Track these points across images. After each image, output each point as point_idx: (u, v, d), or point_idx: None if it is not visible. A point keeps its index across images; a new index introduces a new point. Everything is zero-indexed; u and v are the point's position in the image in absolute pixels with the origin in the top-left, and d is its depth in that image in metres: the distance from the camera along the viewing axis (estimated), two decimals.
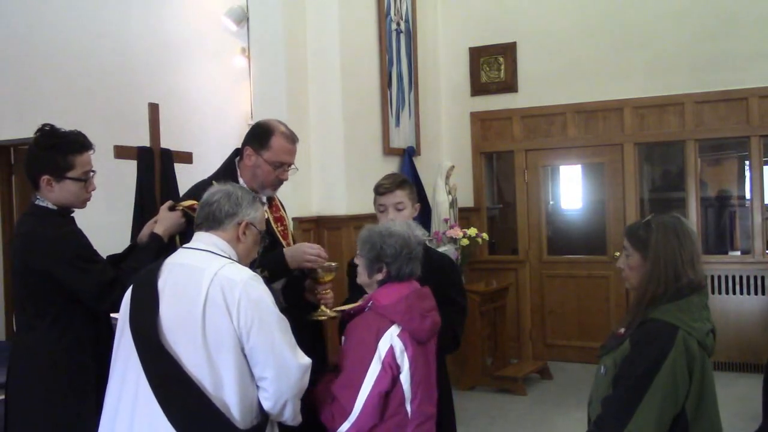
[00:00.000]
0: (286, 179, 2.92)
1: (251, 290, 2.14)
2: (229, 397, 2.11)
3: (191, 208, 2.73)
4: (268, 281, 2.38)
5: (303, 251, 2.79)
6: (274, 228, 2.95)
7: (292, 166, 2.92)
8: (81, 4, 6.20)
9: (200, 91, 5.92)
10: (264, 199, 2.85)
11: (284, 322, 2.22)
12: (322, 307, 2.81)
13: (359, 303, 2.54)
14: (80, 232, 2.70)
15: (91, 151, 2.69)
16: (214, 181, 2.86)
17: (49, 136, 2.63)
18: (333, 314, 2.79)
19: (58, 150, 2.60)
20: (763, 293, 6.25)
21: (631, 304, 2.29)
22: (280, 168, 2.85)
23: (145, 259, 2.63)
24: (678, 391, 2.08)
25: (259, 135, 2.85)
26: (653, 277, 2.19)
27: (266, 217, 2.79)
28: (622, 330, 2.27)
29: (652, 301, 2.18)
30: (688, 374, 2.09)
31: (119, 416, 2.16)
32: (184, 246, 2.32)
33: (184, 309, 2.13)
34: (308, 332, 2.77)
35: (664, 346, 2.08)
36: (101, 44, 6.12)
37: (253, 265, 2.38)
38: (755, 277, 6.28)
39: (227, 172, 2.91)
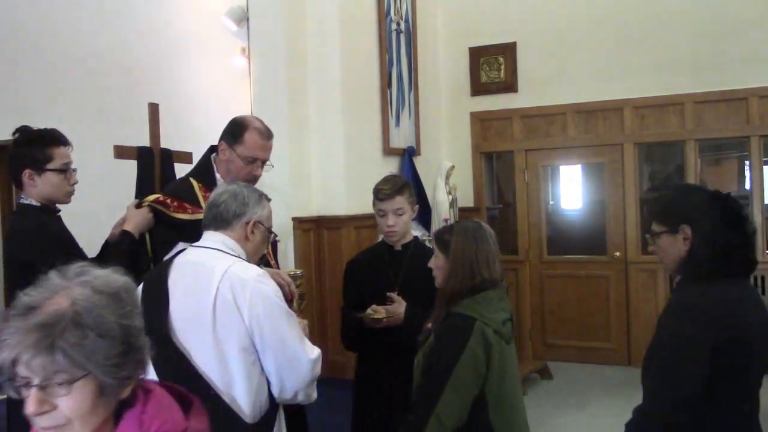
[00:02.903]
0: (260, 175, 2.89)
1: (261, 287, 2.18)
2: (239, 393, 2.14)
3: (157, 201, 2.76)
4: None
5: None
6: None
7: (268, 163, 2.89)
8: (81, 4, 6.20)
9: (200, 91, 5.91)
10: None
11: (292, 317, 2.26)
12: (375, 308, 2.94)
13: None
14: (63, 226, 2.73)
15: (69, 147, 2.74)
16: (191, 177, 2.88)
17: (25, 133, 2.71)
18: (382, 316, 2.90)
19: (36, 144, 2.66)
20: (763, 293, 6.24)
21: (436, 301, 2.50)
22: (253, 164, 2.83)
23: (118, 255, 2.67)
24: (477, 375, 2.32)
25: (233, 130, 2.85)
26: (452, 275, 2.43)
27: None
28: (429, 325, 2.48)
29: (453, 298, 2.42)
30: (485, 360, 2.33)
31: None
32: (193, 244, 2.34)
33: (194, 306, 2.16)
34: None
35: (463, 336, 2.33)
36: (101, 44, 6.12)
37: (260, 263, 2.40)
38: (755, 277, 6.27)
39: (204, 167, 2.92)
